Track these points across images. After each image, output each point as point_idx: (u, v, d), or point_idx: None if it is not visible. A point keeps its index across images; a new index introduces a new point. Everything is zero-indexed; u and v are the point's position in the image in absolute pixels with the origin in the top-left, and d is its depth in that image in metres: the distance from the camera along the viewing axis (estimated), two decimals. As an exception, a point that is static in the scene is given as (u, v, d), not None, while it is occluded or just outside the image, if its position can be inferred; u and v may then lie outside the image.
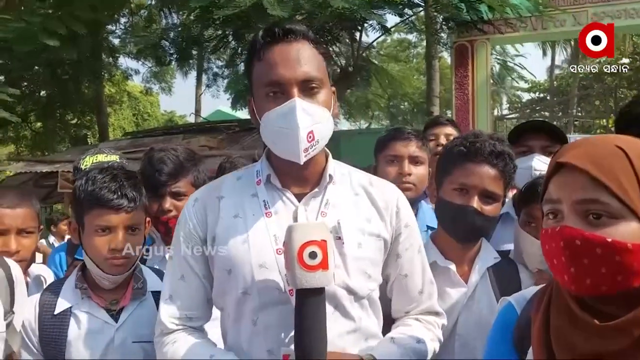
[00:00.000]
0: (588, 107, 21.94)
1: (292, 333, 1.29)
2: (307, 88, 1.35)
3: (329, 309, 1.32)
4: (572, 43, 18.48)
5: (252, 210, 1.42)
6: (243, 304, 1.38)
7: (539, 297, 1.12)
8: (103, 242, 1.63)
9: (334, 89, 1.46)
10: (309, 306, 1.24)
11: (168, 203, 2.02)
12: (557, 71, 26.02)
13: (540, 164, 2.20)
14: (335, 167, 1.48)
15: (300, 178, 1.44)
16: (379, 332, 1.47)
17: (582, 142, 1.06)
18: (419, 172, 2.33)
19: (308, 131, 1.32)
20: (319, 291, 1.25)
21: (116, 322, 1.68)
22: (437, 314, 1.58)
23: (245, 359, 1.36)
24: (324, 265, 1.23)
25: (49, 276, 2.04)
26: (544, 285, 1.17)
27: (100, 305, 1.69)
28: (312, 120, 1.33)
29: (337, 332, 1.34)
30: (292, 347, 1.28)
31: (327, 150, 1.47)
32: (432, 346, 1.48)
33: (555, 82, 25.88)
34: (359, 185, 1.49)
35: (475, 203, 1.71)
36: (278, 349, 1.33)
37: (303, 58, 1.35)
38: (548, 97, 25.58)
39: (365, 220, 1.43)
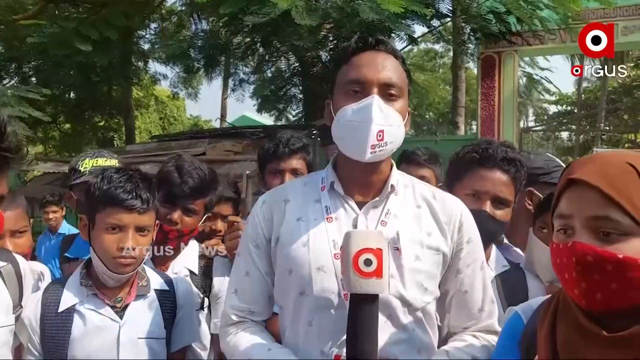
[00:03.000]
0: (616, 121, 21.51)
1: (345, 337, 1.31)
2: (387, 93, 1.40)
3: (382, 317, 1.34)
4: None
5: (314, 214, 1.46)
6: (300, 304, 1.42)
7: (546, 307, 1.15)
8: (112, 241, 1.65)
9: (409, 110, 1.49)
10: (361, 311, 1.27)
11: (177, 215, 2.04)
12: (585, 84, 25.61)
13: None
14: (399, 178, 1.51)
15: (364, 186, 1.47)
16: (434, 346, 1.47)
17: (593, 158, 1.08)
18: None
19: (379, 129, 1.36)
20: (373, 298, 1.27)
21: (121, 319, 1.70)
22: (496, 333, 1.53)
23: (299, 357, 1.39)
24: (378, 273, 1.25)
25: (47, 274, 2.07)
26: (550, 295, 1.19)
27: (105, 302, 1.71)
28: (384, 120, 1.37)
29: (388, 341, 1.36)
30: (344, 351, 1.30)
31: (392, 161, 1.52)
32: None
33: (583, 95, 25.46)
34: (421, 197, 1.50)
35: (488, 208, 1.74)
36: (331, 350, 1.37)
37: (388, 65, 1.42)
38: (575, 110, 25.17)
39: (425, 233, 1.44)
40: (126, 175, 1.71)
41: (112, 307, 1.71)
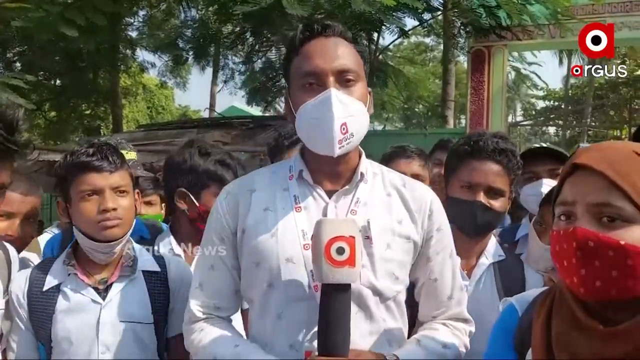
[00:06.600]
0: (602, 117, 21.69)
1: (316, 329, 1.28)
2: (343, 80, 1.34)
3: (353, 308, 1.31)
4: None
5: (282, 204, 1.42)
6: (269, 297, 1.38)
7: (542, 300, 1.13)
8: (92, 206, 1.64)
9: (370, 89, 1.44)
10: (333, 302, 1.24)
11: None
12: (572, 80, 25.79)
13: (549, 188, 2.18)
14: (368, 166, 1.48)
15: (333, 174, 1.43)
16: (404, 336, 1.46)
17: (599, 145, 1.07)
18: None
19: (342, 122, 1.30)
20: (345, 287, 1.24)
21: (103, 300, 1.67)
22: (465, 320, 1.55)
23: (268, 352, 1.35)
24: (350, 262, 1.22)
25: (36, 262, 2.06)
26: (547, 288, 1.19)
27: (86, 283, 1.68)
28: (346, 112, 1.32)
29: (360, 332, 1.34)
30: (315, 343, 1.27)
31: (361, 149, 1.47)
32: (459, 352, 1.47)
33: (570, 91, 25.65)
34: (391, 185, 1.48)
35: (482, 198, 1.77)
36: (300, 344, 1.33)
37: (340, 51, 1.36)
38: (562, 106, 25.37)
39: (396, 221, 1.42)
40: (87, 144, 1.72)
41: (95, 287, 1.68)
